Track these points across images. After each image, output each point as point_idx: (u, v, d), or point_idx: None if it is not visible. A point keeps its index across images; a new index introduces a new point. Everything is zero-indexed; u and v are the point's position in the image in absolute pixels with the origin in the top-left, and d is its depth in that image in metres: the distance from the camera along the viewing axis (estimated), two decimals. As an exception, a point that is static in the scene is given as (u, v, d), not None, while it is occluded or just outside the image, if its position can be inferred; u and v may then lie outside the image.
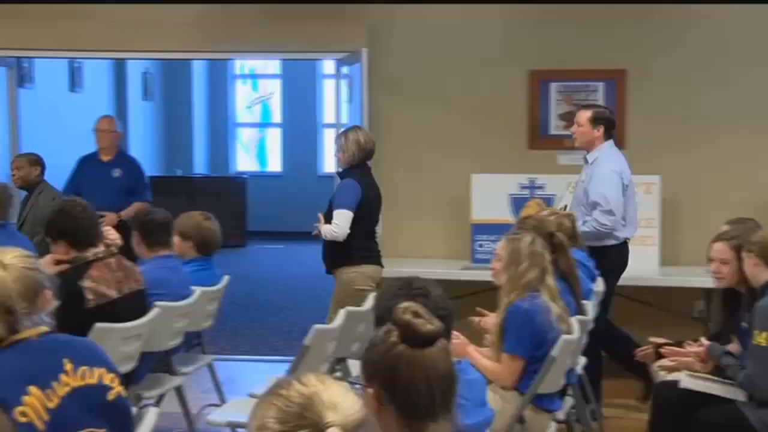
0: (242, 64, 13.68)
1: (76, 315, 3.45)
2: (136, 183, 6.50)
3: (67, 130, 8.55)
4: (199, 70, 13.07)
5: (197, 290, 4.39)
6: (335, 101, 6.73)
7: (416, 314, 1.84)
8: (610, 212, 4.94)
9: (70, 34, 6.30)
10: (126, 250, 4.17)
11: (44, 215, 5.08)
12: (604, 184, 4.98)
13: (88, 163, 6.45)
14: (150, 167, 7.11)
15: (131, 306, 3.78)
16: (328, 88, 12.73)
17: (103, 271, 3.66)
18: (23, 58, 7.12)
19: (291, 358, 3.91)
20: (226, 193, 12.04)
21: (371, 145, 5.22)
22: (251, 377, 5.40)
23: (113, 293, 3.67)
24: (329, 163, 12.30)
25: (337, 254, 5.14)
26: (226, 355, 5.57)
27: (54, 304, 2.57)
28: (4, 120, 6.49)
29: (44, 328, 2.46)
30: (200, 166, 13.36)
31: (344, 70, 6.45)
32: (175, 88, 12.93)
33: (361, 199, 5.10)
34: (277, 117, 13.83)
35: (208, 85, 13.61)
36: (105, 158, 6.44)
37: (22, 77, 7.12)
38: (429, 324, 1.83)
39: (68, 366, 2.38)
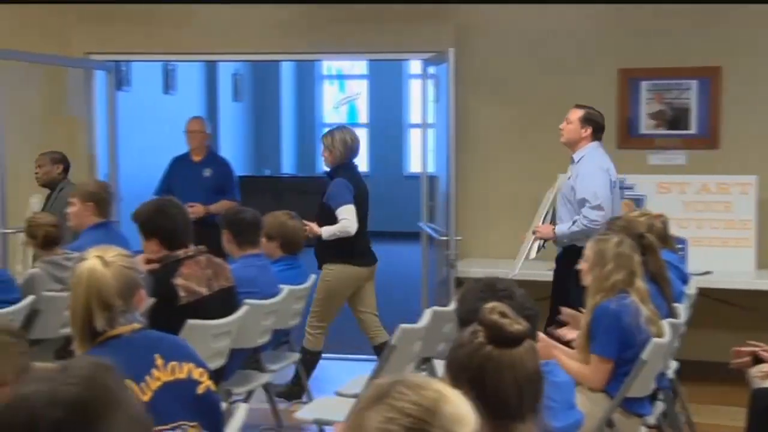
0: (329, 65, 13.81)
1: (169, 312, 3.53)
2: (225, 182, 6.63)
3: (161, 131, 8.77)
4: (287, 72, 13.25)
5: (285, 288, 4.45)
6: (421, 101, 6.74)
7: (503, 314, 1.83)
8: (599, 207, 4.84)
9: (165, 38, 6.47)
10: (214, 249, 4.26)
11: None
12: (592, 181, 4.91)
13: (179, 163, 6.60)
14: (239, 167, 7.24)
15: (221, 303, 3.85)
16: (414, 88, 12.75)
17: (194, 268, 3.72)
18: (121, 62, 7.33)
19: (376, 357, 3.94)
20: (313, 193, 12.10)
21: (357, 144, 5.44)
22: (337, 375, 5.44)
23: (204, 290, 3.73)
24: (415, 163, 12.32)
25: (327, 251, 5.29)
26: (313, 353, 5.61)
27: (147, 302, 2.65)
28: (103, 121, 6.70)
29: (137, 325, 2.54)
30: (288, 166, 13.53)
31: (431, 70, 6.45)
32: (264, 90, 13.13)
33: (354, 196, 5.28)
34: (363, 117, 13.92)
35: (296, 86, 13.79)
36: (196, 158, 6.57)
37: (120, 80, 7.33)
38: (516, 324, 1.83)
39: (159, 361, 2.45)
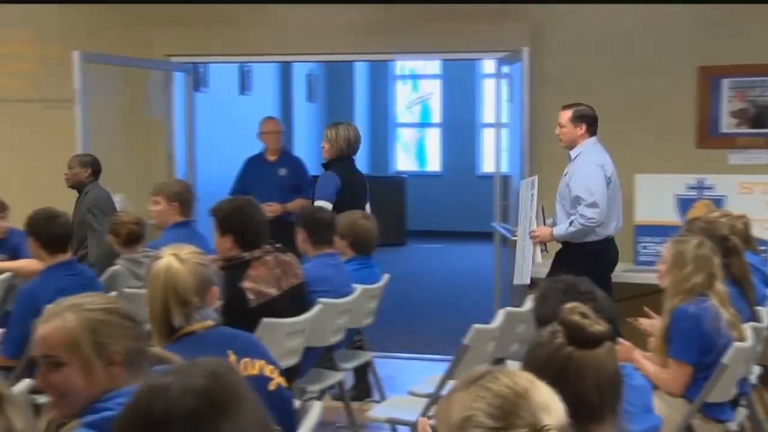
0: (402, 65, 13.82)
1: (239, 315, 3.52)
2: (300, 181, 6.70)
3: (237, 131, 8.90)
4: (360, 72, 13.31)
5: (358, 288, 4.47)
6: (495, 101, 6.70)
7: (583, 315, 1.82)
8: (594, 204, 4.82)
9: (242, 40, 6.56)
10: (290, 247, 4.30)
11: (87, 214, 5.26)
12: (587, 178, 4.88)
13: (254, 163, 6.69)
14: (313, 167, 7.28)
15: (291, 302, 3.87)
16: (487, 87, 12.68)
17: (261, 270, 3.72)
18: (199, 64, 7.46)
19: (449, 357, 3.92)
20: (386, 193, 12.19)
21: (358, 142, 5.72)
22: (409, 375, 5.44)
23: (273, 291, 3.74)
24: (488, 163, 12.26)
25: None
26: (385, 353, 5.64)
27: (218, 301, 2.70)
28: (182, 121, 6.83)
29: (210, 322, 2.59)
30: (361, 165, 13.49)
31: (505, 69, 6.41)
32: (337, 90, 13.22)
33: (340, 190, 5.49)
34: (436, 117, 13.90)
35: (369, 87, 13.84)
36: (271, 158, 6.65)
37: (197, 82, 7.47)
38: (597, 325, 1.81)
39: (232, 357, 2.49)
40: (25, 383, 2.84)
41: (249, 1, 6.47)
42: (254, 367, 2.55)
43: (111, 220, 4.83)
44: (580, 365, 1.77)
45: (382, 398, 4.85)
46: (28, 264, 4.63)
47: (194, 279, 2.55)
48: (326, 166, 5.74)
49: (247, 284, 3.66)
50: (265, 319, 3.65)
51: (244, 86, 10.13)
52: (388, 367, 5.70)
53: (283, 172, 6.61)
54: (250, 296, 3.66)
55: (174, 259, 2.57)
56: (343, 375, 4.52)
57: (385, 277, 4.89)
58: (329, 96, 13.21)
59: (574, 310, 1.82)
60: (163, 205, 4.86)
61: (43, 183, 6.59)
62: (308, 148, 11.78)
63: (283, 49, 6.71)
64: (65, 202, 6.00)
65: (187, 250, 2.66)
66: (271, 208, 6.14)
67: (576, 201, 4.87)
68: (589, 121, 5.05)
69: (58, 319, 1.98)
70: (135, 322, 2.03)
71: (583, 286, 2.47)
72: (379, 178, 13.09)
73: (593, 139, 5.06)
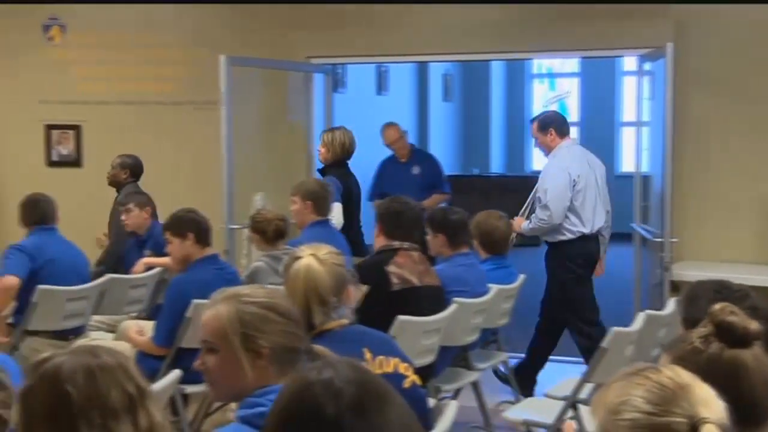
0: (539, 64, 13.65)
1: (382, 298, 3.68)
2: (434, 178, 6.76)
3: (374, 131, 9.02)
4: (497, 71, 13.23)
5: (494, 288, 4.46)
6: (636, 98, 6.53)
7: (734, 313, 1.76)
8: (545, 207, 5.09)
9: (379, 40, 6.65)
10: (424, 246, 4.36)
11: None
12: (548, 180, 5.16)
13: (388, 164, 6.82)
14: (448, 166, 7.30)
15: (429, 300, 3.93)
16: (627, 85, 12.36)
17: (407, 260, 3.88)
18: (338, 65, 7.61)
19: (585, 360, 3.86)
20: (522, 193, 12.04)
21: (353, 147, 5.87)
22: (545, 377, 5.39)
23: (415, 280, 3.85)
24: (627, 163, 11.95)
25: None
26: (520, 354, 5.59)
27: (356, 297, 2.76)
28: (321, 122, 6.98)
29: (346, 321, 2.64)
30: (497, 165, 13.51)
31: (646, 66, 6.24)
32: (473, 89, 13.18)
33: (343, 194, 5.60)
34: (573, 115, 13.66)
35: (505, 86, 13.74)
36: (403, 159, 6.78)
37: (336, 83, 7.62)
38: (750, 324, 1.75)
39: (368, 355, 2.54)
40: (175, 373, 2.98)
41: (387, 1, 6.55)
42: (389, 364, 2.59)
43: (254, 218, 4.98)
44: (741, 366, 1.71)
45: (518, 399, 4.83)
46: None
47: (332, 279, 2.62)
48: (323, 171, 5.90)
49: (392, 268, 3.81)
50: (401, 317, 3.70)
51: (381, 86, 10.25)
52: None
53: (416, 170, 6.71)
54: (394, 280, 3.79)
55: (313, 259, 2.63)
56: (477, 375, 4.52)
57: (521, 277, 4.86)
58: (465, 95, 13.20)
59: (725, 309, 1.77)
60: (299, 205, 4.98)
61: (189, 182, 6.88)
62: (444, 148, 11.82)
63: (420, 49, 6.75)
64: (208, 200, 6.24)
65: (325, 250, 2.72)
66: None
67: (538, 201, 5.18)
68: (556, 125, 5.25)
69: (215, 307, 2.05)
70: (290, 319, 2.07)
71: (735, 285, 2.40)
72: (514, 177, 12.97)
73: (566, 141, 5.27)
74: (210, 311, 2.06)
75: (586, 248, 5.19)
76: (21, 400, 1.59)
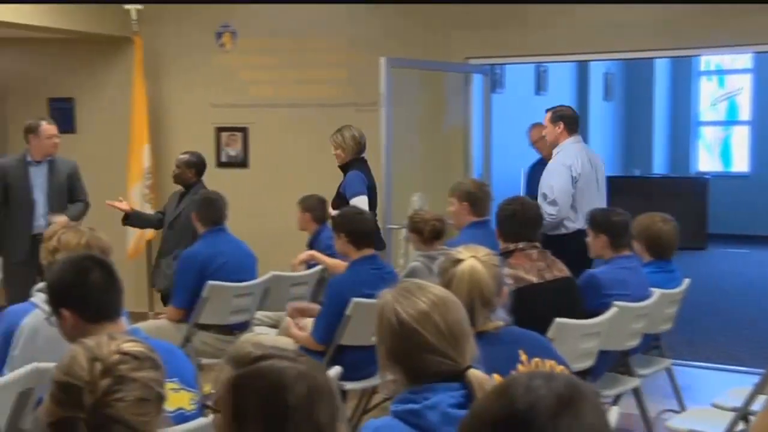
0: (707, 60, 13.11)
1: None
2: None
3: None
4: (661, 69, 12.81)
5: (656, 292, 4.33)
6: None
7: None
8: (553, 203, 5.23)
9: (538, 40, 6.58)
10: (571, 253, 4.29)
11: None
12: (552, 177, 5.30)
13: (536, 167, 6.67)
14: (608, 167, 7.09)
15: (557, 292, 3.87)
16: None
17: (522, 260, 3.86)
18: (496, 65, 7.58)
19: (757, 370, 3.69)
20: (686, 194, 11.65)
21: (364, 139, 5.87)
22: (711, 386, 5.18)
23: (533, 278, 3.81)
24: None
25: None
26: (683, 361, 5.40)
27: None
28: (479, 123, 6.97)
29: (501, 323, 2.63)
30: (659, 166, 13.08)
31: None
32: (636, 88, 12.82)
33: (367, 187, 5.67)
34: (745, 114, 13.04)
35: (670, 84, 13.28)
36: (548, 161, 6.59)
37: (494, 83, 7.59)
38: None
39: (523, 357, 2.52)
40: (335, 369, 3.05)
41: (546, 1, 6.47)
42: (545, 366, 2.57)
43: (412, 218, 5.03)
44: None
45: (682, 408, 4.66)
46: (339, 265, 4.95)
47: (494, 281, 2.62)
48: (345, 168, 5.86)
49: (505, 270, 3.74)
50: (558, 320, 3.65)
51: (540, 86, 10.14)
52: (687, 375, 5.45)
53: None
54: (509, 280, 3.73)
55: (476, 261, 2.64)
56: (639, 381, 4.40)
57: (686, 281, 4.69)
58: (627, 94, 12.86)
59: None
60: (456, 206, 4.99)
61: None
62: (604, 148, 11.56)
63: (580, 47, 6.63)
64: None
65: (483, 252, 2.72)
66: None
67: (543, 197, 5.26)
68: (567, 121, 5.43)
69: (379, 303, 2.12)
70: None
71: None
72: (678, 179, 12.55)
73: (572, 138, 5.42)
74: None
75: (581, 243, 5.02)
76: (233, 390, 1.64)
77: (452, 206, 5.02)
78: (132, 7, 7.27)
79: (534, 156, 6.92)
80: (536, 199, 6.23)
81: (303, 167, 7.19)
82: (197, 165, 6.21)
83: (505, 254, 3.88)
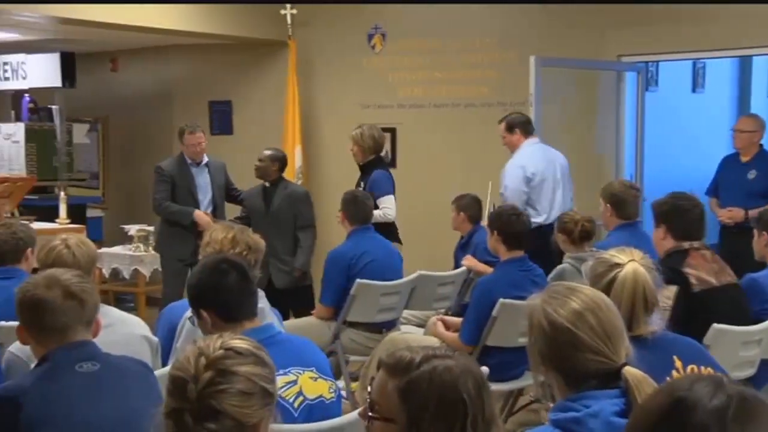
0: None
1: (685, 298, 3.51)
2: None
3: (687, 131, 8.62)
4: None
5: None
6: None
7: None
8: (505, 199, 5.59)
9: (695, 36, 6.33)
10: (748, 256, 4.08)
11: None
12: (506, 178, 5.69)
13: (727, 163, 6.25)
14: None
15: (729, 298, 3.72)
16: None
17: (700, 260, 3.69)
18: (651, 63, 7.35)
19: None
20: None
21: (383, 140, 6.08)
22: None
23: (713, 280, 3.66)
24: None
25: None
26: None
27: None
28: (632, 122, 6.79)
29: (655, 328, 2.55)
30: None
31: None
32: (803, 84, 12.13)
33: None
34: None
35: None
36: (744, 159, 6.15)
37: (647, 81, 7.36)
38: None
39: (678, 363, 2.44)
40: (483, 370, 3.05)
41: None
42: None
43: (562, 219, 4.95)
44: None
45: None
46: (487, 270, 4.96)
47: (656, 284, 2.56)
48: (365, 169, 5.95)
49: (688, 270, 3.64)
50: (715, 326, 3.52)
51: (696, 84, 9.75)
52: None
53: (752, 175, 6.00)
54: (693, 281, 3.60)
55: (638, 265, 2.58)
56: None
57: None
58: (793, 91, 12.18)
59: None
60: (603, 207, 4.89)
61: (498, 183, 6.97)
62: None
63: (740, 42, 6.34)
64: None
65: (639, 255, 2.66)
66: (729, 214, 5.82)
67: (502, 197, 5.71)
68: (521, 126, 5.73)
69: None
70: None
71: None
72: None
73: (528, 140, 5.72)
74: None
75: (542, 237, 5.30)
76: (406, 396, 1.70)
77: (601, 207, 4.93)
78: (288, 12, 7.49)
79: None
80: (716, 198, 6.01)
81: (450, 167, 7.21)
82: (281, 160, 6.32)
83: (676, 254, 3.72)
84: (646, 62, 7.03)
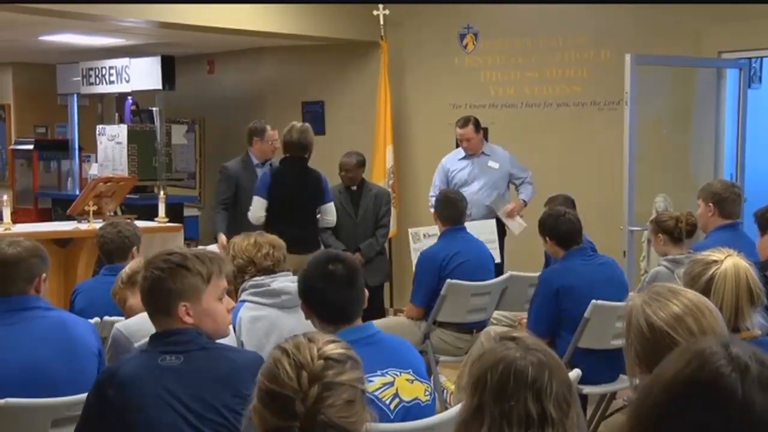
0: None
1: None
2: None
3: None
4: None
5: None
6: None
7: None
8: (531, 179, 6.47)
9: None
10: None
11: None
12: (516, 163, 6.55)
13: None
14: None
15: None
16: None
17: None
18: (754, 59, 7.12)
19: None
20: None
21: (305, 138, 5.95)
22: None
23: None
24: None
25: None
26: None
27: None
28: (732, 120, 6.60)
29: (758, 331, 2.49)
30: None
31: None
32: None
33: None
34: None
35: None
36: None
37: (750, 78, 7.13)
38: None
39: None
40: (575, 372, 3.01)
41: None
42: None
43: (660, 218, 4.85)
44: None
45: None
46: None
47: (757, 277, 2.51)
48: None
49: None
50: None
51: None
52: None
53: None
54: None
55: (738, 258, 2.53)
56: None
57: None
58: None
59: None
60: (703, 208, 4.76)
61: (590, 183, 6.88)
62: None
63: None
64: (609, 201, 6.19)
65: (735, 254, 2.60)
66: None
67: (518, 179, 6.56)
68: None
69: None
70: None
71: None
72: None
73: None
74: None
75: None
76: (474, 377, 1.73)
77: (700, 208, 4.80)
78: (380, 12, 7.54)
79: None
80: None
81: (542, 167, 7.13)
82: (365, 164, 6.50)
83: None
84: (749, 58, 6.82)
